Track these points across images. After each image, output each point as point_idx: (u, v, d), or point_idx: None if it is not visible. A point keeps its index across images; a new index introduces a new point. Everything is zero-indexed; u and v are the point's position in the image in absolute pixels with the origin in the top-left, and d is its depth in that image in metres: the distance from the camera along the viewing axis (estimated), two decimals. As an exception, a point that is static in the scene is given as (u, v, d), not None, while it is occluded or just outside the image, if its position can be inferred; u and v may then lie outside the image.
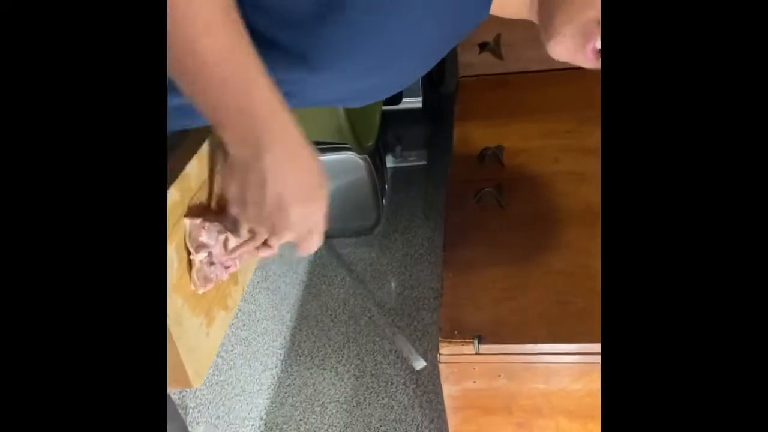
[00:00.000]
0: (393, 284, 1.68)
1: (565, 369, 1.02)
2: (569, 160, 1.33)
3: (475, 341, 1.01)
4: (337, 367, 1.49)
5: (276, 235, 0.54)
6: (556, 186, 1.28)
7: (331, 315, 1.62)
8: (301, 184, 0.50)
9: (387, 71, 0.58)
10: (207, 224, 0.89)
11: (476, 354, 1.02)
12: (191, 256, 0.85)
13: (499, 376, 1.05)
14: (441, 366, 1.05)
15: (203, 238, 0.85)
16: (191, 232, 0.85)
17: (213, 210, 0.98)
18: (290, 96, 0.52)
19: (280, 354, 1.51)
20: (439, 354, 1.03)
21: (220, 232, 0.92)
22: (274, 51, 0.50)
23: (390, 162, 2.08)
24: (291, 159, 0.49)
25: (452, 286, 1.11)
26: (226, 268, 0.94)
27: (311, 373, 1.48)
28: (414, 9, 0.48)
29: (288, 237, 0.54)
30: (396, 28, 0.49)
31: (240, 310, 1.30)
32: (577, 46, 0.51)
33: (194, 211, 0.92)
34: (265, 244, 0.95)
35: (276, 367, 1.48)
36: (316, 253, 1.79)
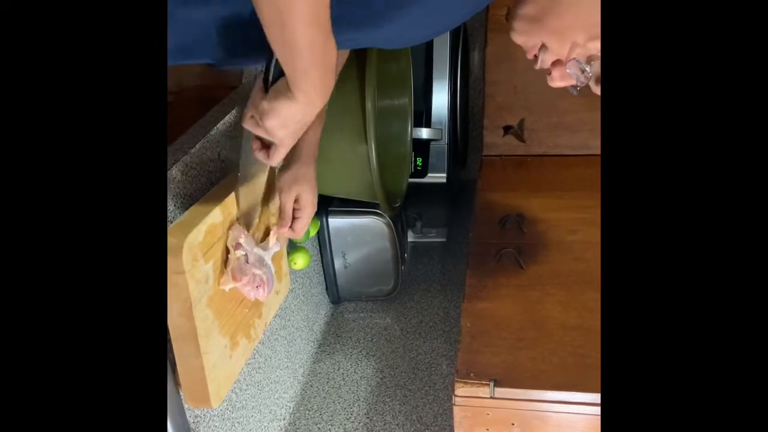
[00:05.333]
0: (406, 349, 1.69)
1: (580, 422, 1.03)
2: (587, 232, 1.39)
3: (491, 384, 1.02)
4: (345, 424, 1.48)
5: (262, 120, 0.74)
6: (573, 253, 1.33)
7: (342, 374, 1.63)
8: (290, 126, 0.75)
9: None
10: (248, 233, 0.96)
11: (491, 398, 1.03)
12: (229, 255, 0.91)
13: (513, 425, 1.05)
14: (455, 409, 1.06)
15: (242, 240, 0.91)
16: (232, 234, 0.92)
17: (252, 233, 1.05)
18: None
19: (290, 407, 1.50)
20: (455, 396, 1.04)
21: (256, 245, 0.98)
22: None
23: (410, 237, 2.14)
24: (297, 114, 0.73)
25: (470, 334, 1.14)
26: (257, 287, 0.99)
27: (319, 428, 1.47)
28: None
29: (265, 130, 0.75)
30: None
31: (258, 352, 1.32)
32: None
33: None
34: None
35: (284, 419, 1.47)
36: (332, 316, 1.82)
